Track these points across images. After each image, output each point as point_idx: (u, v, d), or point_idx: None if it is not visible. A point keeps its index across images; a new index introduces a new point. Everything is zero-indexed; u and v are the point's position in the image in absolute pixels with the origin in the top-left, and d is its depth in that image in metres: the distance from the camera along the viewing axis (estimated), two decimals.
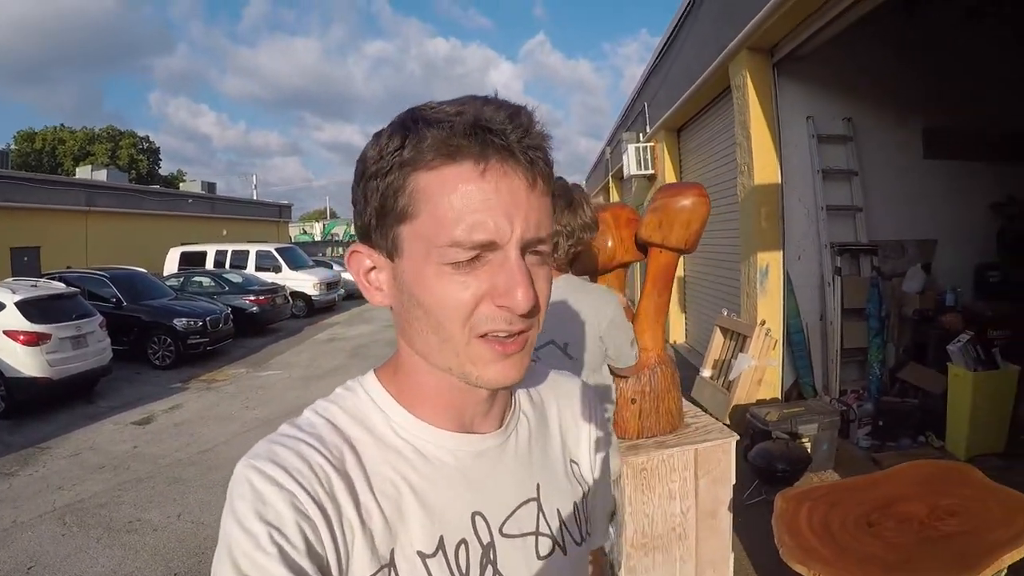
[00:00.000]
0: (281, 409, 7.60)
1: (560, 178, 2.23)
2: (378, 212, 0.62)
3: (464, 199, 0.58)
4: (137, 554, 4.12)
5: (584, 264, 2.77)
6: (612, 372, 2.33)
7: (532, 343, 0.65)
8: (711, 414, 5.77)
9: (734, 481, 2.86)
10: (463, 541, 0.67)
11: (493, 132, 0.58)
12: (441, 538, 0.65)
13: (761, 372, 5.65)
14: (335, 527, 0.59)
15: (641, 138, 10.89)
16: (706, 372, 6.38)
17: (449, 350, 0.62)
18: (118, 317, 10.27)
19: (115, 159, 42.74)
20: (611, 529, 0.91)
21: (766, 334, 5.69)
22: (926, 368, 5.27)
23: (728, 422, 5.48)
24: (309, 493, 0.58)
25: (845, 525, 2.10)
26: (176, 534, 4.36)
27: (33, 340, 7.77)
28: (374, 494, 0.63)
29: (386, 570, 0.62)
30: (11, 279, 10.49)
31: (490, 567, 0.68)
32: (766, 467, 4.00)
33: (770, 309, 5.82)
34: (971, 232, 6.08)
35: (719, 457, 2.81)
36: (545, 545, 0.73)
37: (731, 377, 5.81)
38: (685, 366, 7.56)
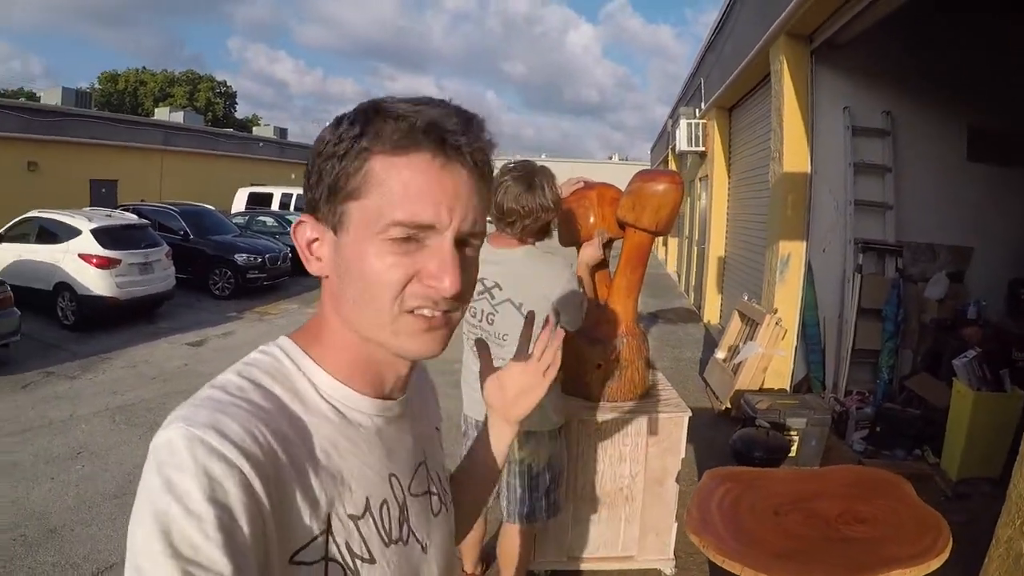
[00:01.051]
0: None
1: (527, 161, 2.44)
2: (330, 188, 0.66)
3: (413, 186, 0.64)
4: None
5: (568, 237, 2.98)
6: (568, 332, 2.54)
7: (455, 323, 0.70)
8: (715, 394, 5.92)
9: (683, 454, 3.02)
10: (385, 501, 0.72)
11: (448, 132, 0.64)
12: (367, 499, 0.69)
13: (768, 361, 5.68)
14: (278, 503, 0.59)
15: (697, 114, 10.75)
16: (720, 354, 6.44)
17: (378, 321, 0.66)
18: (184, 249, 10.97)
19: (193, 101, 44.39)
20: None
21: (777, 323, 5.71)
22: (935, 380, 5.10)
23: (728, 405, 5.59)
24: (255, 465, 0.57)
25: (753, 509, 2.16)
26: None
27: (104, 264, 8.53)
28: (310, 461, 0.65)
29: (323, 536, 0.64)
30: (89, 208, 11.40)
31: (405, 524, 0.74)
32: (744, 452, 4.10)
33: (787, 299, 5.82)
34: (1011, 244, 5.78)
35: (671, 429, 2.98)
36: (435, 503, 0.82)
37: (736, 361, 5.89)
38: (712, 347, 7.62)
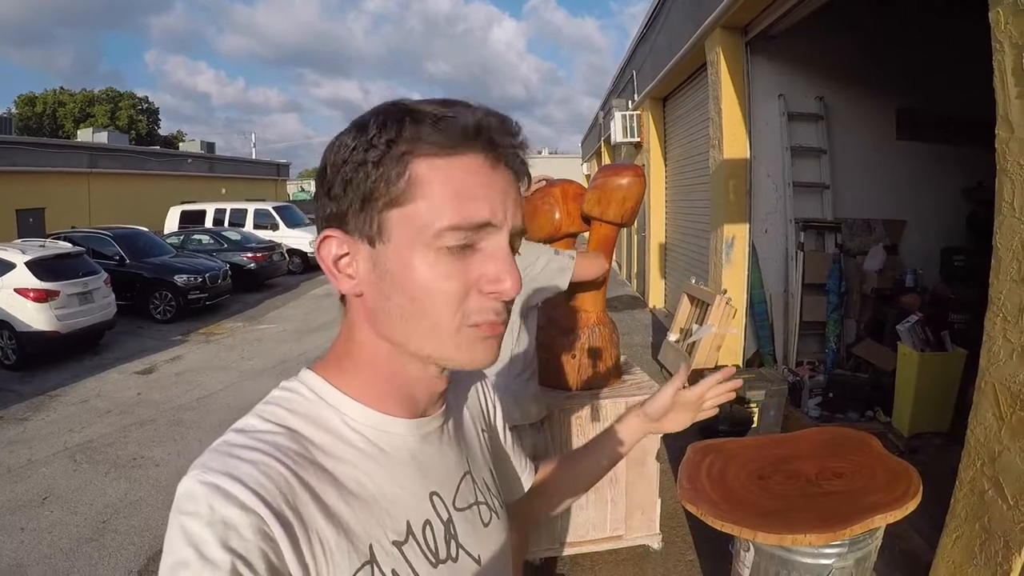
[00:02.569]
0: (275, 359, 8.09)
1: None
2: (364, 198, 0.61)
3: (465, 187, 0.61)
4: (141, 486, 4.56)
5: (534, 233, 3.08)
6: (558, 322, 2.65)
7: (505, 328, 0.67)
8: (670, 374, 6.11)
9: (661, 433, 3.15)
10: (427, 522, 0.69)
11: (496, 133, 0.63)
12: (408, 523, 0.67)
13: (721, 339, 5.91)
14: (302, 543, 0.58)
15: (630, 105, 10.97)
16: (672, 336, 6.65)
17: (436, 336, 0.63)
18: (121, 274, 10.59)
19: (115, 120, 42.82)
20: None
21: (727, 303, 5.94)
22: (880, 346, 5.43)
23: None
24: (274, 512, 0.56)
25: (739, 476, 2.29)
26: (176, 469, 4.76)
27: (42, 297, 8.12)
28: (340, 494, 0.63)
29: (368, 567, 0.62)
30: (19, 240, 10.86)
31: (453, 542, 0.71)
32: (710, 427, 4.28)
33: (734, 280, 6.06)
34: (940, 215, 6.15)
35: None
36: (485, 513, 0.78)
37: (689, 341, 6.10)
38: (661, 330, 7.84)
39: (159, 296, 11.04)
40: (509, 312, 0.66)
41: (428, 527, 0.69)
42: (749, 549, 2.17)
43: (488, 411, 0.94)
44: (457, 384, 0.85)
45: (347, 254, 0.64)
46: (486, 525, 0.77)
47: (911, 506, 1.96)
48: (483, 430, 0.89)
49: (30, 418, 6.27)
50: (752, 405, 4.68)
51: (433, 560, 0.68)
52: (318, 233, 0.66)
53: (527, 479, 1.01)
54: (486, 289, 0.62)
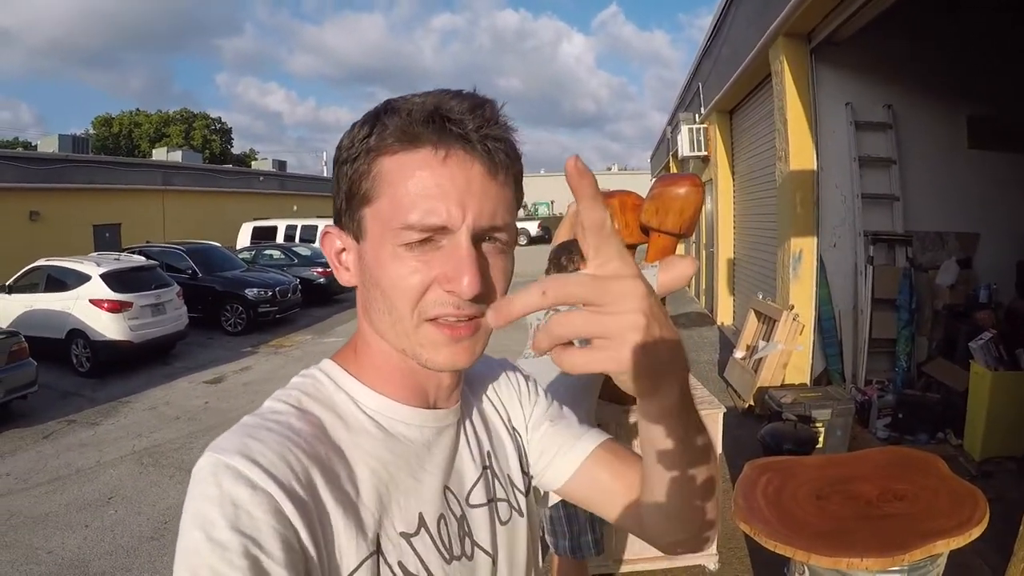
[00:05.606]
0: None
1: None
2: (347, 195, 0.63)
3: (420, 184, 0.59)
4: None
5: None
6: None
7: (485, 329, 0.64)
8: (737, 392, 5.96)
9: (720, 451, 3.07)
10: (442, 516, 0.68)
11: (451, 121, 0.60)
12: (420, 515, 0.66)
13: (787, 356, 5.73)
14: (315, 522, 0.57)
15: (697, 119, 10.84)
16: (738, 353, 6.51)
17: (401, 331, 0.63)
18: (194, 287, 11.01)
19: (189, 140, 44.62)
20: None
21: (794, 319, 5.77)
22: (952, 364, 5.18)
23: (752, 403, 5.63)
24: (286, 490, 0.55)
25: (796, 495, 2.21)
26: None
27: (116, 308, 8.55)
28: (352, 480, 0.62)
29: (373, 557, 0.61)
30: (96, 253, 11.44)
31: (468, 538, 0.70)
32: (774, 446, 4.16)
33: (802, 295, 5.88)
34: (1015, 228, 5.83)
35: (707, 426, 3.02)
36: (504, 510, 0.76)
37: (755, 358, 5.94)
38: (728, 348, 7.68)
39: (230, 309, 11.44)
40: (478, 312, 0.61)
41: (443, 521, 0.68)
42: (804, 572, 2.09)
43: (522, 396, 0.87)
44: (478, 379, 0.84)
45: (344, 249, 0.68)
46: (504, 523, 0.76)
47: (975, 532, 1.86)
48: (511, 420, 0.85)
49: (101, 423, 6.60)
50: (818, 424, 4.53)
51: (447, 556, 0.67)
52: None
53: (589, 440, 0.83)
54: (444, 287, 0.60)
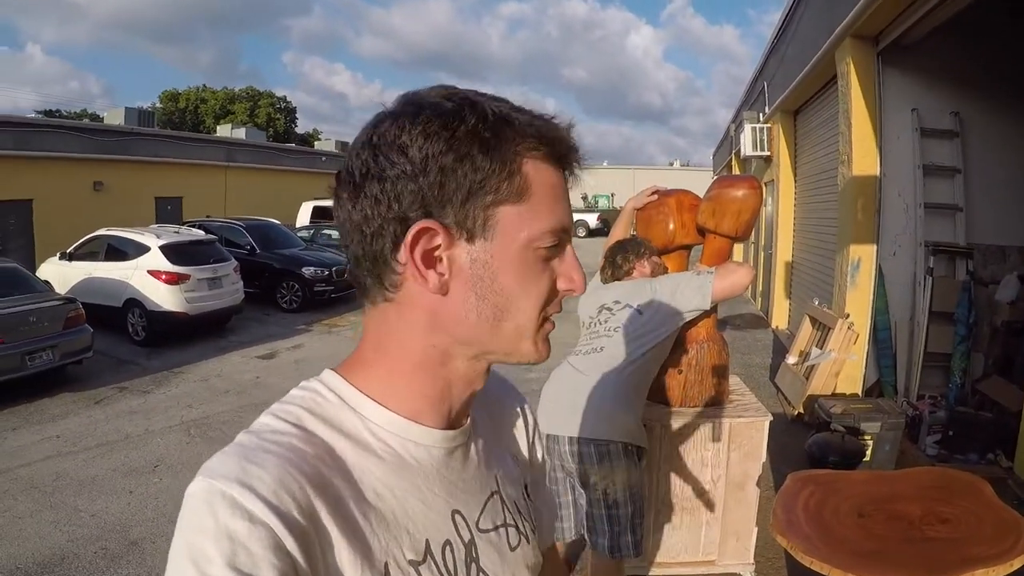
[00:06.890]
0: None
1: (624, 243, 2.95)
2: (471, 191, 0.59)
3: (556, 192, 0.64)
4: None
5: None
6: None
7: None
8: (787, 399, 5.87)
9: (764, 459, 3.03)
10: (448, 542, 0.65)
11: (572, 143, 0.66)
12: (427, 542, 0.64)
13: (840, 365, 5.61)
14: (317, 554, 0.54)
15: (761, 118, 10.65)
16: (791, 359, 6.38)
17: (519, 334, 0.64)
18: (251, 263, 11.18)
19: (253, 117, 45.64)
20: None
21: (848, 328, 5.64)
22: (1008, 383, 4.99)
23: (801, 410, 5.54)
24: (287, 522, 0.52)
25: (837, 511, 2.19)
26: None
27: (173, 279, 8.76)
28: (358, 505, 0.60)
29: None
30: (156, 225, 11.70)
31: (474, 565, 0.67)
32: (820, 456, 4.10)
33: (858, 303, 5.74)
34: None
35: (751, 434, 2.99)
36: (513, 536, 0.74)
37: (807, 365, 5.84)
38: (781, 352, 7.55)
39: (286, 286, 11.60)
40: None
41: (448, 548, 0.65)
42: None
43: (530, 438, 0.89)
44: (489, 402, 0.81)
45: (439, 247, 0.61)
46: (513, 549, 0.73)
47: (1017, 563, 1.82)
48: (514, 455, 0.85)
49: (152, 391, 6.81)
50: (867, 437, 4.43)
51: None
52: (394, 224, 0.60)
53: (546, 535, 0.88)
54: (562, 287, 0.65)
